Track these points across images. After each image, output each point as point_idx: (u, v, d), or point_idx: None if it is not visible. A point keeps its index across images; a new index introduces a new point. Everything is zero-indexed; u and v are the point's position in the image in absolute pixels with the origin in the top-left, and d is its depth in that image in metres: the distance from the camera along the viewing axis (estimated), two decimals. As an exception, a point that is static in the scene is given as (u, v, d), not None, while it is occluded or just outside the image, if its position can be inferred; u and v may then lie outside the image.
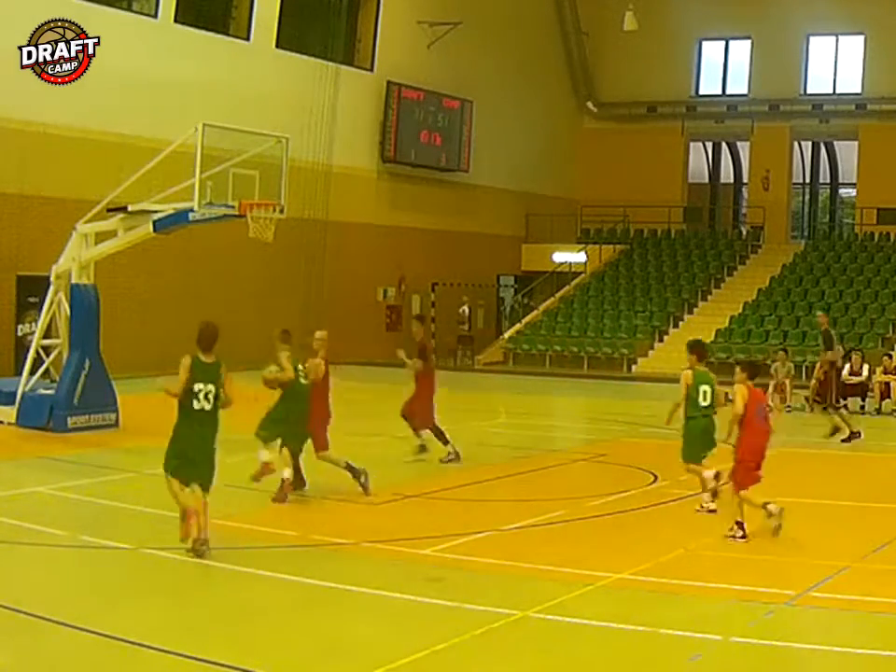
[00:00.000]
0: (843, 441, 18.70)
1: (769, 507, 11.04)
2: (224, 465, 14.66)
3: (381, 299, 34.67)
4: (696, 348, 12.69)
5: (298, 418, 12.76)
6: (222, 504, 12.54)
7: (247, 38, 29.74)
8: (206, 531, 10.07)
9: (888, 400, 22.64)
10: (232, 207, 17.39)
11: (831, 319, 31.80)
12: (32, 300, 23.05)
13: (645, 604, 8.88)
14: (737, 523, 11.09)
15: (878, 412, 22.59)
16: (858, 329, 31.12)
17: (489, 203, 37.58)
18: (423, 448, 15.59)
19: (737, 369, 11.41)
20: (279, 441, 12.84)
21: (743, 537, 11.00)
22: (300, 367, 12.78)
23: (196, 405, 10.14)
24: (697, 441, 12.39)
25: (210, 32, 28.86)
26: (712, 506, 12.31)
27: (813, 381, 20.81)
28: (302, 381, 12.74)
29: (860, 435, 18.83)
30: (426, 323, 15.48)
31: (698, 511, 12.37)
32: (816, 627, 8.46)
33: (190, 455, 10.22)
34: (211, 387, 10.22)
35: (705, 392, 12.31)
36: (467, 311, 35.30)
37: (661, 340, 33.36)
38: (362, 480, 12.96)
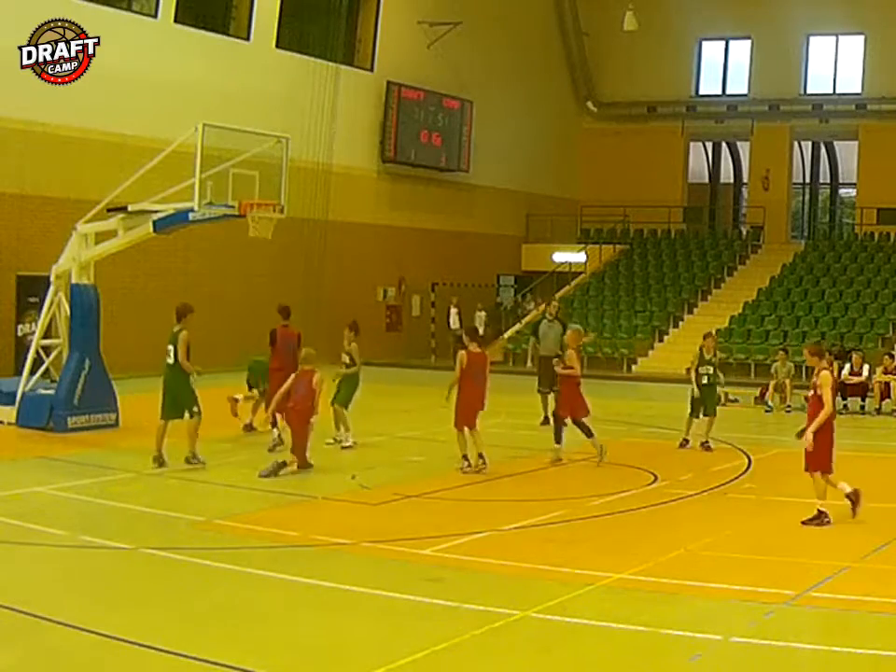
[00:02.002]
0: (542, 423, 19.37)
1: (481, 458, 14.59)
2: (223, 467, 14.76)
3: (381, 299, 34.66)
4: (352, 325, 16.99)
5: None
6: (223, 504, 12.59)
7: (247, 38, 29.73)
8: (192, 448, 14.56)
9: (888, 400, 22.62)
10: (232, 207, 17.39)
11: (830, 319, 32.09)
12: (32, 300, 23.04)
13: (645, 604, 8.87)
14: (462, 456, 14.62)
15: (878, 412, 22.58)
16: (858, 329, 31.11)
17: (489, 202, 37.58)
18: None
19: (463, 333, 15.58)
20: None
21: (481, 463, 14.55)
22: None
23: (167, 360, 14.56)
24: (352, 391, 16.46)
25: (210, 32, 28.84)
26: (348, 444, 16.23)
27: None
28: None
29: (548, 422, 19.16)
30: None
31: (329, 444, 16.13)
32: (816, 627, 8.46)
33: (169, 394, 14.58)
34: (170, 347, 14.50)
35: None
36: (455, 311, 35.09)
37: (661, 340, 33.34)
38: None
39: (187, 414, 14.56)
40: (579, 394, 15.77)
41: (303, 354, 14.98)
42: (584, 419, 15.71)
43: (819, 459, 11.89)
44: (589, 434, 15.63)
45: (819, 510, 11.77)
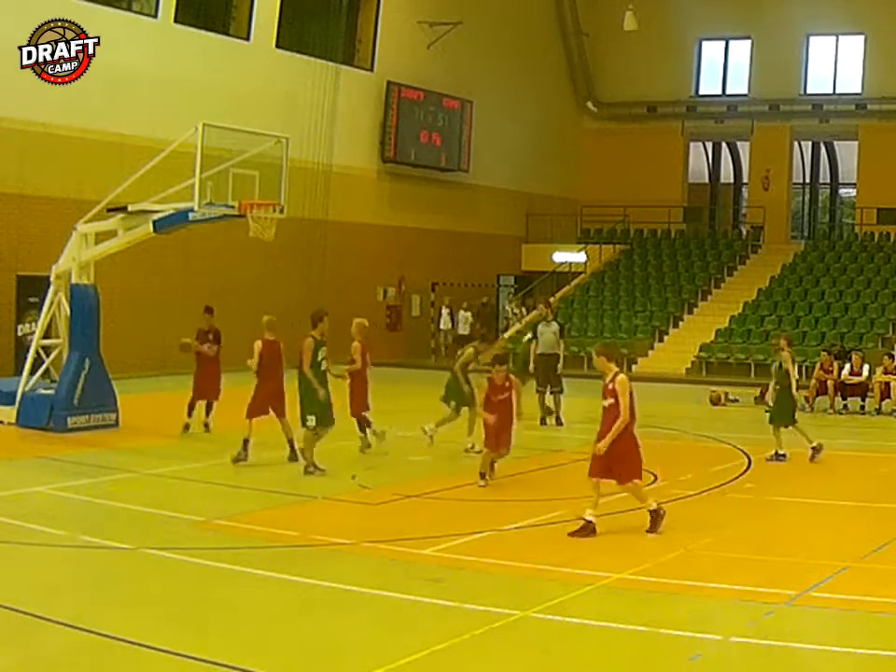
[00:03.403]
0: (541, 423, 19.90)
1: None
2: (223, 467, 14.76)
3: (381, 299, 34.66)
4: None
5: None
6: (223, 504, 12.59)
7: (247, 38, 29.74)
8: (308, 458, 14.35)
9: (888, 400, 22.61)
10: (232, 207, 17.40)
11: (830, 319, 32.05)
12: (32, 300, 23.04)
13: (645, 604, 8.87)
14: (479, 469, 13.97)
15: (878, 412, 22.57)
16: (858, 328, 31.10)
17: (489, 202, 37.57)
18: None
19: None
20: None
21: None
22: None
23: None
24: None
25: (210, 32, 28.86)
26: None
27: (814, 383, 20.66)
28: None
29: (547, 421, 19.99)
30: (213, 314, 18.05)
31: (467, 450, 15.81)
32: (816, 627, 8.45)
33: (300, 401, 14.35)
34: None
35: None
36: (447, 312, 35.05)
37: (661, 340, 33.33)
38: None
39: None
40: (360, 389, 15.90)
41: (266, 321, 15.08)
42: (364, 413, 16.07)
43: (625, 468, 11.21)
44: (362, 428, 16.08)
45: (586, 519, 11.04)
